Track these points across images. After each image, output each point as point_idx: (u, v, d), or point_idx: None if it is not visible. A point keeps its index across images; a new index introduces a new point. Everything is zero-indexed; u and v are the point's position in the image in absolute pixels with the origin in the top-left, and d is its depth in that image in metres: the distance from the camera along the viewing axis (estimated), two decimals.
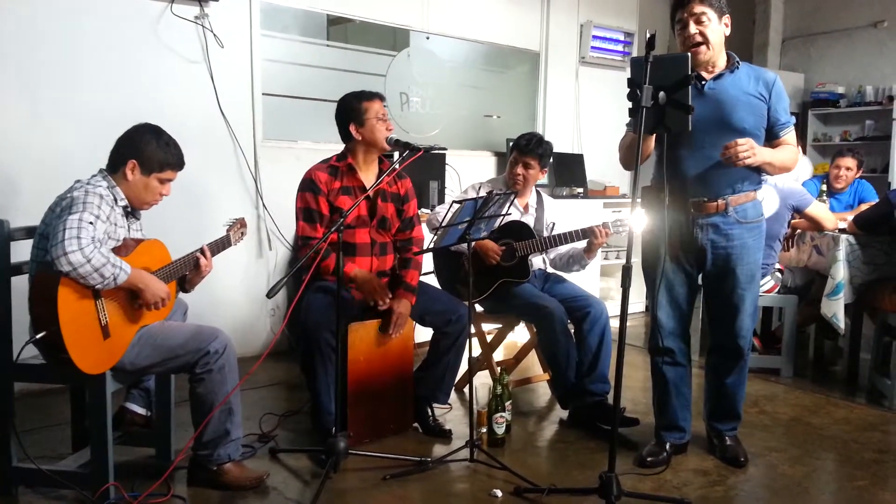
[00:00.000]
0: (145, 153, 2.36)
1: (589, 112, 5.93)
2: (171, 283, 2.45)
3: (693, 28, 2.53)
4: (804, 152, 5.10)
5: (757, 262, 2.71)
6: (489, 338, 3.59)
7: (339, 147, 3.04)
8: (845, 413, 3.45)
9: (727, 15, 2.58)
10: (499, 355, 3.86)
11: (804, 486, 2.65)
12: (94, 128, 3.29)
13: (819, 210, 3.92)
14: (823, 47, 7.27)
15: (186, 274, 2.51)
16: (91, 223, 2.17)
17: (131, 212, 2.42)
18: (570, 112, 5.88)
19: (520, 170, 3.42)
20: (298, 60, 4.64)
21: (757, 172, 2.65)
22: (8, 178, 3.33)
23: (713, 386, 2.85)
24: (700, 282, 2.81)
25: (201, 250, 2.50)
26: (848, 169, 4.83)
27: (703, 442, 2.92)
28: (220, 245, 2.63)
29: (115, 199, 2.33)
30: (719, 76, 2.60)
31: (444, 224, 2.82)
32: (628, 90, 2.33)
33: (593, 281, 5.20)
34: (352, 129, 2.91)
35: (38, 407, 2.85)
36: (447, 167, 4.88)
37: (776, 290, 4.00)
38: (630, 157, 2.69)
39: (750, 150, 2.44)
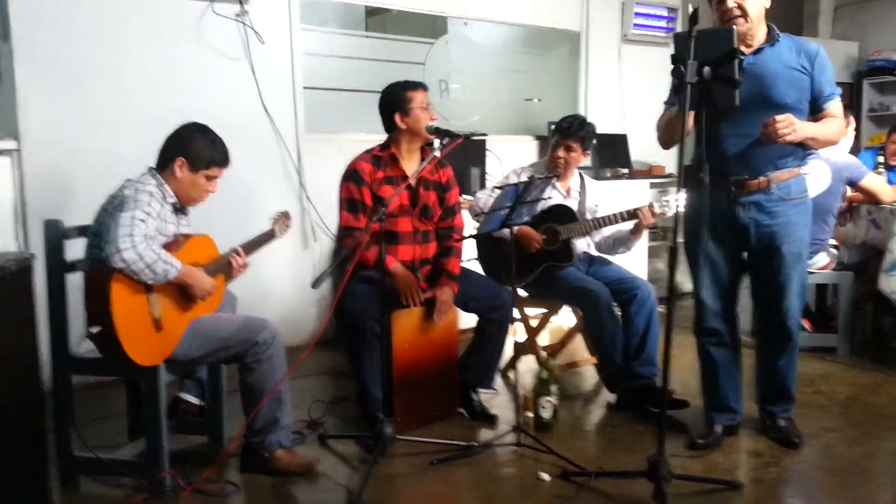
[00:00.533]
0: (193, 151, 2.42)
1: (633, 91, 5.81)
2: (220, 277, 2.51)
3: (731, 1, 2.45)
4: (858, 123, 4.91)
5: (803, 240, 2.63)
6: (534, 322, 3.58)
7: (381, 138, 3.06)
8: None
9: None
10: (544, 340, 3.85)
11: (863, 468, 2.58)
12: (140, 127, 3.38)
13: (875, 182, 3.78)
14: (879, 13, 6.95)
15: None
16: (143, 220, 2.24)
17: (180, 208, 2.49)
18: (613, 92, 5.77)
19: (561, 153, 3.39)
20: (338, 53, 4.67)
21: (801, 148, 2.57)
22: (61, 178, 3.45)
23: (763, 368, 2.79)
24: (745, 261, 2.74)
25: (235, 251, 2.55)
26: None
27: (755, 423, 2.86)
28: (263, 239, 2.68)
29: (164, 197, 2.40)
30: (759, 50, 2.52)
31: (486, 210, 2.82)
32: (672, 67, 2.28)
33: (641, 263, 5.12)
34: (396, 118, 2.92)
35: (96, 399, 2.96)
36: (488, 153, 4.86)
37: (831, 266, 3.88)
38: (668, 135, 2.65)
39: (789, 126, 2.36)
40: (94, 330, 2.18)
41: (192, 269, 2.35)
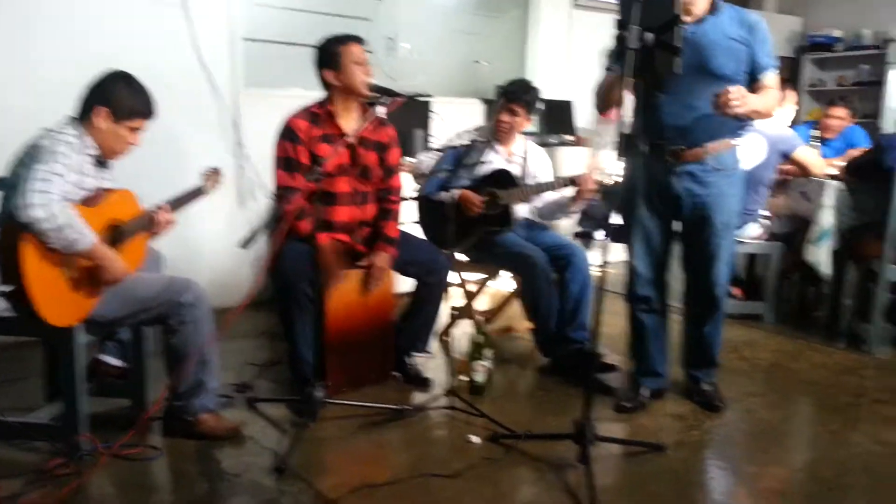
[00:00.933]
0: (116, 101, 2.30)
1: (581, 58, 5.79)
2: (143, 234, 2.42)
3: None
4: (798, 98, 5.01)
5: (733, 210, 2.68)
6: (472, 287, 3.58)
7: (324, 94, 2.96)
8: (825, 358, 3.47)
9: None
10: (483, 305, 3.86)
11: (781, 431, 2.68)
12: (65, 76, 3.17)
13: (807, 155, 3.87)
14: None
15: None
16: (60, 174, 2.12)
17: (101, 161, 2.37)
18: (561, 57, 5.74)
19: (505, 117, 3.36)
20: (281, 4, 4.51)
21: (737, 120, 2.60)
22: None
23: (690, 335, 2.86)
24: (676, 230, 2.78)
25: (159, 206, 2.45)
26: (839, 119, 4.77)
27: (681, 387, 2.94)
28: (191, 196, 2.58)
29: (84, 148, 2.28)
30: (701, 20, 2.52)
31: (424, 173, 2.78)
32: (616, 31, 2.26)
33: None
34: (328, 75, 2.83)
35: (13, 359, 2.85)
36: (433, 115, 4.79)
37: (762, 237, 3.98)
38: (605, 100, 2.65)
39: (741, 98, 2.37)
40: (6, 288, 2.07)
41: (109, 250, 2.21)
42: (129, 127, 2.34)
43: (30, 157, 2.17)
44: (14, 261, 2.04)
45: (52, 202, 2.04)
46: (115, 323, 2.37)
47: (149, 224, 2.41)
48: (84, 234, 2.11)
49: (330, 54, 2.83)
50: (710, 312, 2.76)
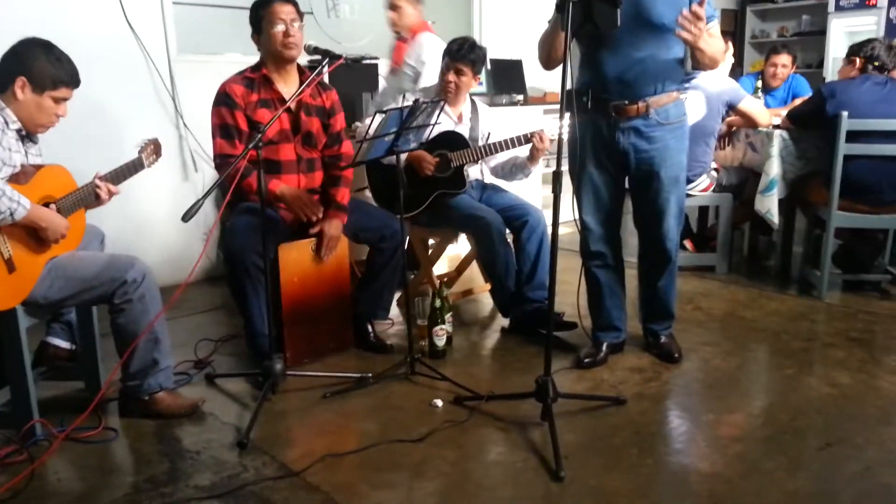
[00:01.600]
0: (35, 69, 2.17)
1: (529, 15, 5.72)
2: (81, 211, 2.31)
3: None
4: (741, 50, 5.05)
5: (680, 163, 2.69)
6: (429, 251, 3.55)
7: None
8: (777, 305, 3.55)
9: None
10: (442, 268, 3.84)
11: (736, 378, 2.74)
12: None
13: (752, 105, 3.91)
14: None
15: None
16: None
17: (26, 135, 2.24)
18: (509, 15, 5.66)
19: (451, 77, 3.30)
20: None
21: (681, 69, 2.59)
22: None
23: (646, 289, 2.89)
24: (626, 185, 2.79)
25: (96, 183, 2.32)
26: (783, 66, 4.83)
27: (640, 340, 2.98)
28: (128, 170, 2.45)
29: (6, 122, 2.16)
30: None
31: (369, 136, 2.70)
32: None
33: (535, 189, 5.16)
34: (254, 38, 2.76)
35: None
36: (381, 78, 4.68)
37: (711, 188, 4.03)
38: (545, 53, 2.61)
39: (700, 31, 2.35)
40: None
41: (44, 209, 2.12)
42: (53, 97, 2.22)
43: None
44: None
45: None
46: (57, 304, 2.27)
47: (86, 198, 2.30)
48: (19, 202, 2.02)
49: (253, 17, 2.75)
50: (663, 266, 2.79)
